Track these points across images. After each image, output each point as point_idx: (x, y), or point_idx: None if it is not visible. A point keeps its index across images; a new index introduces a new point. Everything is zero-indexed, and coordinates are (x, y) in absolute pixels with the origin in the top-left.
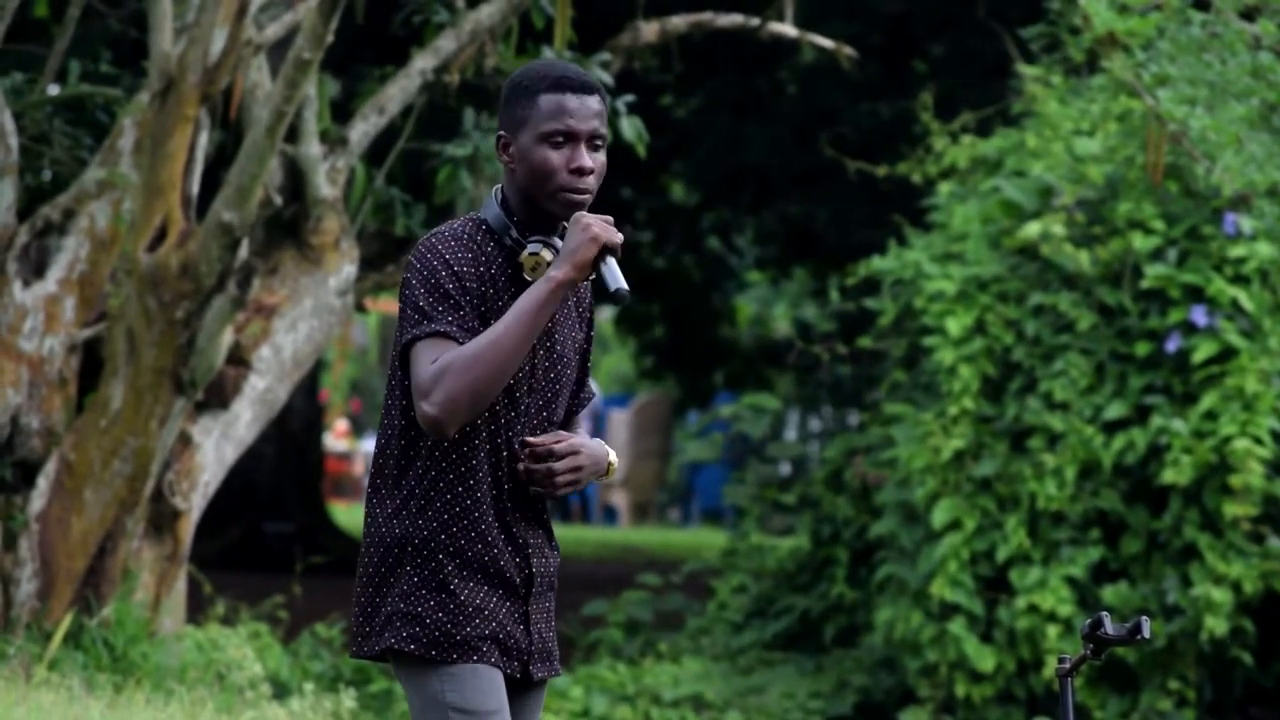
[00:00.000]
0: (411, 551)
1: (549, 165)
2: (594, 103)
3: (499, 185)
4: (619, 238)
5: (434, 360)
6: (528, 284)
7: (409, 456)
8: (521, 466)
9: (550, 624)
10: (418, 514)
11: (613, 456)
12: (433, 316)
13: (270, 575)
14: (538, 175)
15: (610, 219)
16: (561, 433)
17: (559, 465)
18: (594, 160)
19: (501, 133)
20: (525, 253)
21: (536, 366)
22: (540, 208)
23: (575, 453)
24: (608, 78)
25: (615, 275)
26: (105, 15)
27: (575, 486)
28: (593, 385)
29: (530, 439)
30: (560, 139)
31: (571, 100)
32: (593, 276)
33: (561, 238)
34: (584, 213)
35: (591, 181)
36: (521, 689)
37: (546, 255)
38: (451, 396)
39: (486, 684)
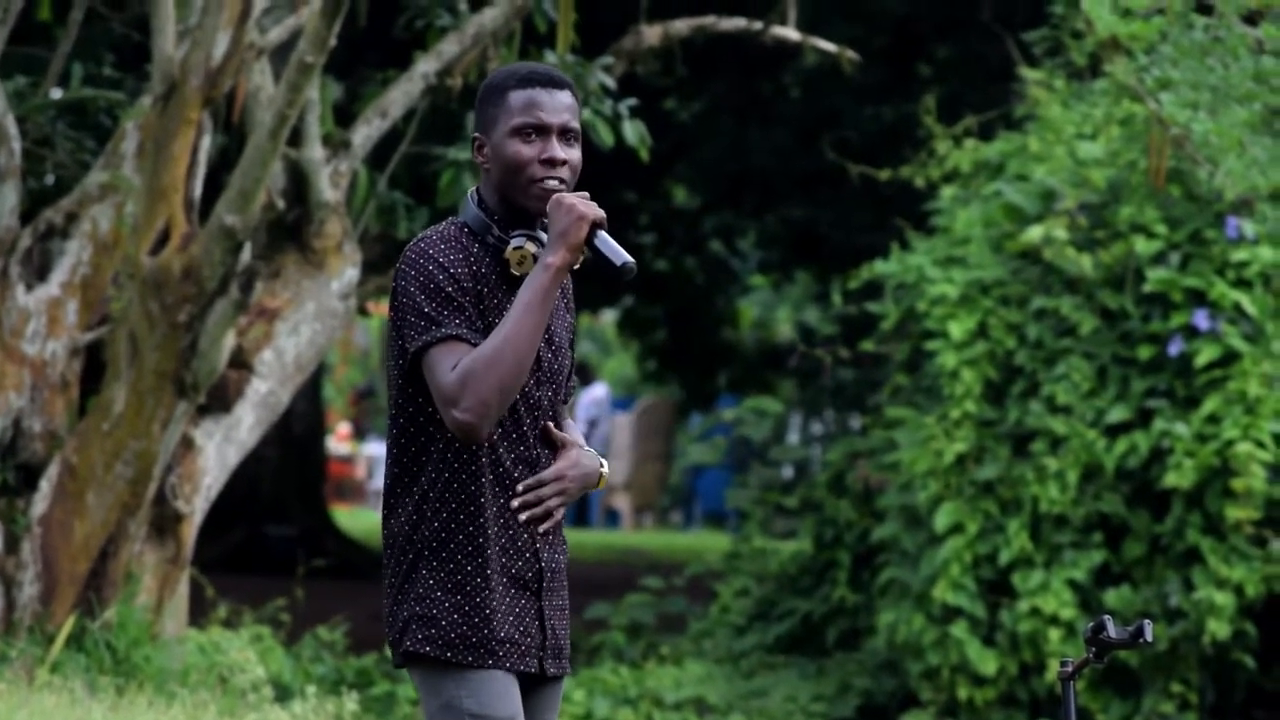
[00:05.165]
0: (428, 555)
1: (520, 158)
2: (564, 97)
3: (474, 188)
4: (603, 212)
5: (453, 366)
6: (517, 280)
7: (419, 461)
8: (516, 503)
9: (564, 619)
10: (432, 516)
11: (604, 467)
12: (439, 321)
13: (272, 578)
14: (510, 169)
15: (587, 194)
16: (561, 458)
17: (546, 492)
18: (567, 153)
19: (476, 134)
20: (510, 248)
21: (541, 358)
22: (517, 204)
23: (560, 477)
24: (610, 81)
25: (615, 250)
26: (108, 18)
27: (565, 504)
28: (600, 387)
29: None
30: (530, 132)
31: (540, 94)
32: (587, 257)
33: (544, 230)
34: (562, 194)
35: (564, 173)
36: (536, 686)
37: (531, 248)
38: (481, 399)
39: (502, 689)
